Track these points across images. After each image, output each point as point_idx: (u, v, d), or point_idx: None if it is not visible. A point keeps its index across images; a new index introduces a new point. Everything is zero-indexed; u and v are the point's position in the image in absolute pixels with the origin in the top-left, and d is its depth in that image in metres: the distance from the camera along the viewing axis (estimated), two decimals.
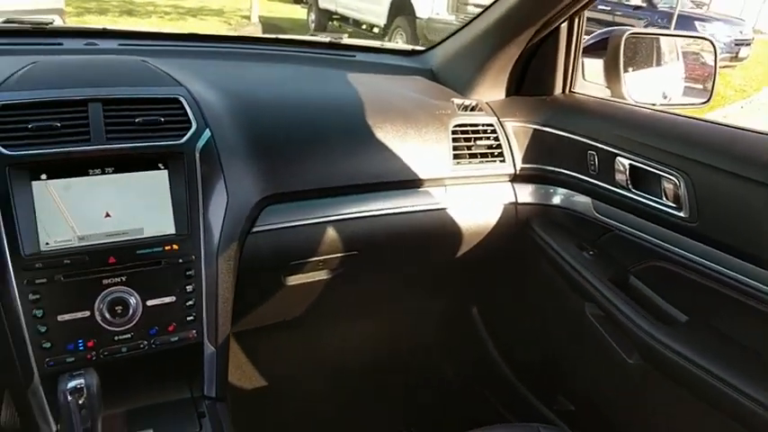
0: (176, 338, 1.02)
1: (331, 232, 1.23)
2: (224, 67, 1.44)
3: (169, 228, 1.02)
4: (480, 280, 1.73)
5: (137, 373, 1.03)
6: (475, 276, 1.70)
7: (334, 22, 9.90)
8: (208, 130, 1.08)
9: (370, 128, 1.27)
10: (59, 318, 0.94)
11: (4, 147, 0.93)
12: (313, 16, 10.42)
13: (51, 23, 1.46)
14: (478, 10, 1.56)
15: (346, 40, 1.75)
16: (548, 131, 1.41)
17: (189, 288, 1.02)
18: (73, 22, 6.01)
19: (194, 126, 1.07)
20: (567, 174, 1.39)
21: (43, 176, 0.95)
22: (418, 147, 1.32)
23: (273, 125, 1.21)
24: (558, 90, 1.50)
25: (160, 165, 1.03)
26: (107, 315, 0.96)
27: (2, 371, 0.96)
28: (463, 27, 1.55)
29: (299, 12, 11.71)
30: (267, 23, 10.09)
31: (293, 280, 1.29)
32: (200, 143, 1.06)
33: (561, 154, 1.39)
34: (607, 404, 1.42)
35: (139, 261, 0.99)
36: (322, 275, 1.32)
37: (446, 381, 1.92)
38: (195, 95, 1.13)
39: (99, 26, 1.49)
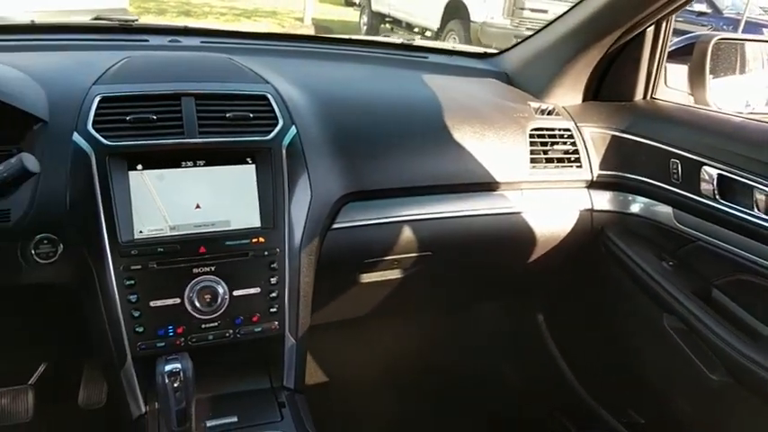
0: (260, 329, 1.04)
1: (407, 232, 1.23)
2: (303, 65, 1.46)
3: (255, 221, 1.05)
4: (549, 286, 1.70)
5: (220, 360, 1.06)
6: (544, 282, 1.67)
7: (387, 25, 9.91)
8: (294, 126, 1.10)
9: (448, 129, 1.27)
10: (152, 303, 0.97)
11: (104, 137, 0.98)
12: (365, 19, 10.44)
13: (136, 21, 1.51)
14: (534, 15, 1.55)
15: (418, 41, 1.75)
16: (628, 138, 1.38)
17: (273, 280, 1.04)
18: None
19: (281, 123, 1.09)
20: (647, 182, 1.35)
21: (139, 167, 0.99)
22: (496, 149, 1.31)
23: (355, 124, 1.23)
24: (638, 96, 1.46)
25: (248, 159, 1.05)
26: (196, 303, 0.98)
27: (98, 352, 1.00)
28: (540, 30, 1.54)
29: (352, 14, 11.80)
30: (319, 26, 10.19)
31: (367, 278, 1.30)
32: (287, 139, 1.08)
33: (641, 161, 1.36)
34: (684, 420, 1.37)
35: (228, 252, 1.01)
36: (395, 274, 1.33)
37: (509, 386, 1.89)
38: (281, 92, 1.15)
39: (181, 24, 1.54)
